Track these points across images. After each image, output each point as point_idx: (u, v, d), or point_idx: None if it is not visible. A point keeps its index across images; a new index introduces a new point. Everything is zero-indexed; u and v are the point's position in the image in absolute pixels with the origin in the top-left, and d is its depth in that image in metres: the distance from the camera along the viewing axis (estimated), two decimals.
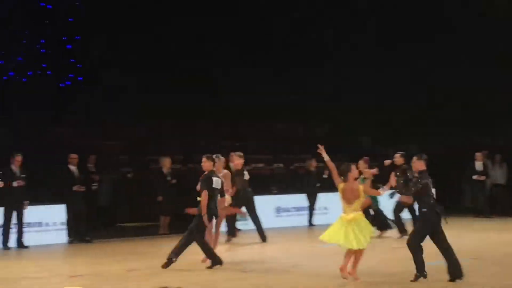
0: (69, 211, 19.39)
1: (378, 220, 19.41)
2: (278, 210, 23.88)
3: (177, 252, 14.58)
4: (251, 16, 31.48)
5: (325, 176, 23.25)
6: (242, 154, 18.79)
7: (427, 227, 12.81)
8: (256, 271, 14.54)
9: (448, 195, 28.45)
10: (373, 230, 13.40)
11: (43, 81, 27.87)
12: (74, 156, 19.69)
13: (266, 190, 25.14)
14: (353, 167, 13.12)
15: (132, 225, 23.12)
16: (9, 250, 18.23)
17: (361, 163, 18.89)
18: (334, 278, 13.02)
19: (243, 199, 19.22)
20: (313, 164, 24.50)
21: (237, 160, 18.54)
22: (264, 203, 23.37)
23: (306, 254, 17.09)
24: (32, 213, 18.90)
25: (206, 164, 14.79)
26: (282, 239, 20.47)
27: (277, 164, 28.07)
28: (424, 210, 12.78)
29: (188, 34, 30.49)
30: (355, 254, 13.01)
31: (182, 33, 30.38)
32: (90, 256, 17.17)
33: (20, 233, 18.56)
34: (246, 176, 19.48)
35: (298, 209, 24.28)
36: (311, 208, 23.88)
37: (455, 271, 12.75)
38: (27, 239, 18.66)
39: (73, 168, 19.62)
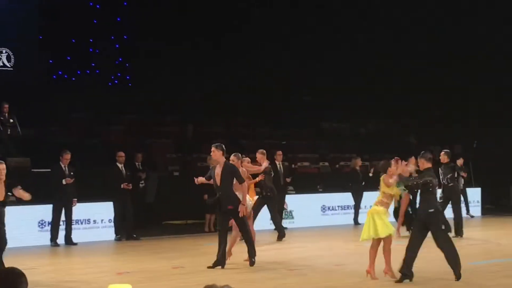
0: (117, 209, 19.64)
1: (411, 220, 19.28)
2: (324, 208, 23.89)
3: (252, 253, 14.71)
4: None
5: (370, 174, 23.23)
6: (264, 151, 18.67)
7: (441, 223, 13.04)
8: (300, 269, 14.60)
9: (496, 195, 28.34)
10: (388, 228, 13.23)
11: (92, 80, 28.15)
12: (121, 154, 19.92)
13: (312, 188, 25.16)
14: (393, 162, 13.36)
15: (178, 223, 23.30)
16: (58, 247, 18.49)
17: (393, 163, 18.81)
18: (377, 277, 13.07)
19: (267, 199, 19.26)
20: (358, 162, 24.47)
21: (261, 158, 18.45)
22: (310, 202, 23.49)
23: (350, 253, 17.08)
24: (80, 210, 19.17)
25: (216, 153, 14.54)
26: (327, 237, 20.50)
27: (322, 162, 28.04)
28: (431, 211, 12.78)
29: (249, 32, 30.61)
30: (384, 254, 13.06)
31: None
32: (137, 253, 17.35)
33: (68, 230, 18.80)
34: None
35: (344, 207, 24.29)
36: (357, 207, 23.86)
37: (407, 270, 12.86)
38: (76, 236, 18.90)
39: (120, 166, 19.87)
